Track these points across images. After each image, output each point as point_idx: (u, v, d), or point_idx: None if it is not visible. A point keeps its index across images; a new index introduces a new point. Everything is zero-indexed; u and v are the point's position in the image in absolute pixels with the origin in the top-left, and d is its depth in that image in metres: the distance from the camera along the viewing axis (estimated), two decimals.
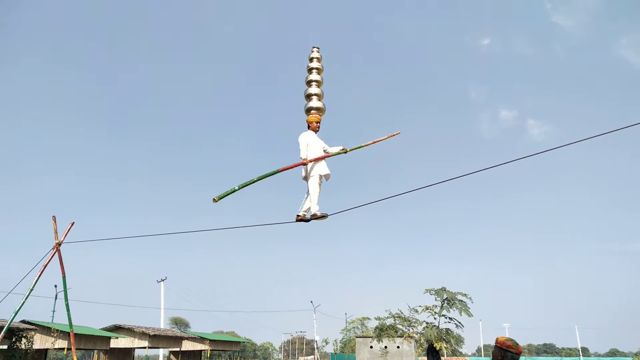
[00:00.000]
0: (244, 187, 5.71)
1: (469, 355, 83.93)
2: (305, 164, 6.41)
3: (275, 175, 6.11)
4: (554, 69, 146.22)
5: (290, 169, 6.36)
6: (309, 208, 6.63)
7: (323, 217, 6.54)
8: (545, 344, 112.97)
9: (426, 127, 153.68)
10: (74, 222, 10.29)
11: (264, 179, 5.97)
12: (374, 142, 7.08)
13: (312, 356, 78.03)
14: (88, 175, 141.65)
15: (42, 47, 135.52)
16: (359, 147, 6.91)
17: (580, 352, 76.57)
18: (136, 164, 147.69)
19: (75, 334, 27.28)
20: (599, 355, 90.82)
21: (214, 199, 5.38)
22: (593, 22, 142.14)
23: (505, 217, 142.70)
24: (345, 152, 6.76)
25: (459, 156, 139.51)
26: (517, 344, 3.39)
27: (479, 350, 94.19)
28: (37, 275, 9.34)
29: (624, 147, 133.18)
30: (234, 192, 5.57)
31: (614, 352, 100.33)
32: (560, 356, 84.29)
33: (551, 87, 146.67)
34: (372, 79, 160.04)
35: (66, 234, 10.06)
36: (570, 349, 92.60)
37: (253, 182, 5.78)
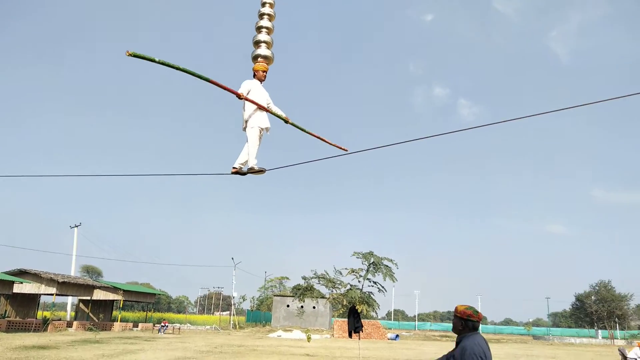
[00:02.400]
0: (164, 64, 5.03)
1: (379, 319, 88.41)
2: (239, 98, 5.91)
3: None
4: (489, 52, 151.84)
5: (221, 87, 5.68)
6: (247, 161, 6.29)
7: (261, 171, 6.22)
8: (449, 312, 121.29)
9: (363, 94, 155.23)
10: None
11: (189, 74, 5.32)
12: (318, 138, 6.64)
13: (228, 312, 78.57)
14: None
15: None
16: (302, 129, 6.49)
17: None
18: (54, 95, 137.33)
19: None
20: (495, 324, 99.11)
21: (127, 52, 4.72)
22: (529, 12, 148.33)
23: (424, 191, 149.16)
24: (286, 122, 6.40)
25: (390, 126, 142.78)
26: (477, 312, 3.28)
27: (388, 314, 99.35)
28: None
29: (545, 133, 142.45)
30: (152, 61, 4.88)
31: (507, 322, 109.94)
32: None
33: (485, 70, 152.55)
34: (315, 41, 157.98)
35: None
36: None
37: (177, 68, 5.12)
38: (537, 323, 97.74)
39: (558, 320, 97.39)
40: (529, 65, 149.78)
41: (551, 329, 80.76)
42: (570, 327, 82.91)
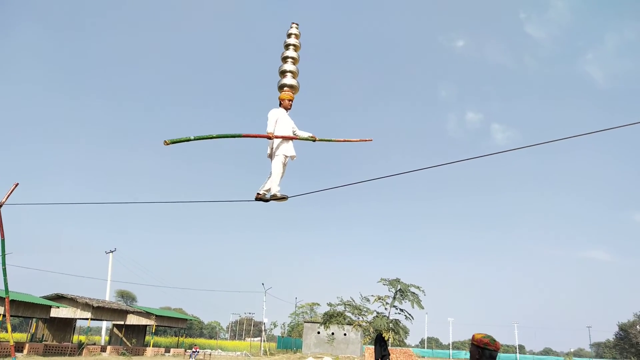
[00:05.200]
0: (200, 139, 5.35)
1: (412, 347, 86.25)
2: (270, 138, 6.17)
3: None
4: (522, 76, 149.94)
5: (253, 137, 6.06)
6: (270, 188, 6.42)
7: (283, 198, 6.34)
8: None
9: (395, 121, 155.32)
10: (18, 183, 9.70)
11: (223, 137, 5.64)
12: (345, 141, 6.92)
13: (259, 338, 78.15)
14: (38, 138, 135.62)
15: None
16: (329, 141, 6.72)
17: (517, 349, 79.89)
18: (92, 128, 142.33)
19: (13, 301, 26.35)
20: (534, 354, 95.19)
21: (165, 142, 4.98)
22: (563, 36, 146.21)
23: (458, 215, 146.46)
24: (314, 141, 6.58)
25: (424, 152, 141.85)
26: (494, 341, 3.24)
27: (422, 342, 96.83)
28: None
29: (583, 155, 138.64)
30: (188, 141, 5.17)
31: (547, 351, 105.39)
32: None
33: (518, 94, 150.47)
34: (347, 71, 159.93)
35: (8, 195, 9.46)
36: (507, 346, 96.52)
37: (211, 138, 5.44)
38: (578, 353, 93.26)
39: (601, 350, 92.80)
40: (565, 88, 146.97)
41: None
42: (615, 358, 78.94)
